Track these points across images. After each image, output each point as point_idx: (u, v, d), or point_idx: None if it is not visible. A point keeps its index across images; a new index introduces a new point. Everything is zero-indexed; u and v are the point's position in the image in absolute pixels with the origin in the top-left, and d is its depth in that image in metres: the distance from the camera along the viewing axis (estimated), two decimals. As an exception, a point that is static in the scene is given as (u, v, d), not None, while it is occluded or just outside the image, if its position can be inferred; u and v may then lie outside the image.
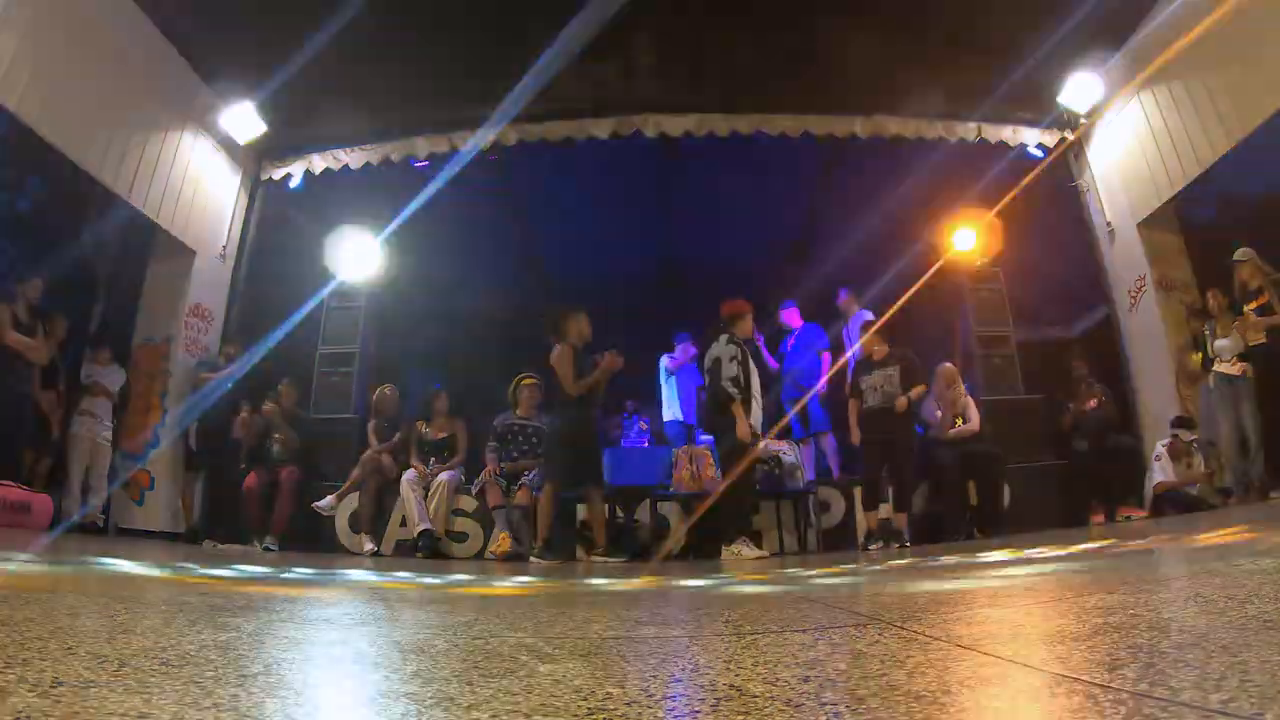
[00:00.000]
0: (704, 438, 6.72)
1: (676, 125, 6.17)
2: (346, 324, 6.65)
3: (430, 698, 0.79)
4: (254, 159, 6.61)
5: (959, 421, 5.43)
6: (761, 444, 4.82)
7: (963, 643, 1.03)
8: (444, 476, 5.36)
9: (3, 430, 4.69)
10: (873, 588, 2.44)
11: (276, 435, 5.71)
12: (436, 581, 3.05)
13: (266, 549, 5.18)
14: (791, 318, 7.01)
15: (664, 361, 7.25)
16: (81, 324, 7.33)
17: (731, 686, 0.86)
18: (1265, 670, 0.71)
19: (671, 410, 7.20)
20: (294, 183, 6.61)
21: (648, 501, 5.28)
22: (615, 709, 0.74)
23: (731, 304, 4.97)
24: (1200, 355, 5.23)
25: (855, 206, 7.73)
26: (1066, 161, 6.47)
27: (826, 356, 6.60)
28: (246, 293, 6.73)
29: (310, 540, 5.50)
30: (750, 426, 4.50)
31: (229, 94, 6.03)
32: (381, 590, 2.71)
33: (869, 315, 6.13)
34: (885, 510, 4.80)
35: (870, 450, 5.00)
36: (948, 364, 5.69)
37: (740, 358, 4.63)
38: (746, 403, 4.54)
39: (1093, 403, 5.65)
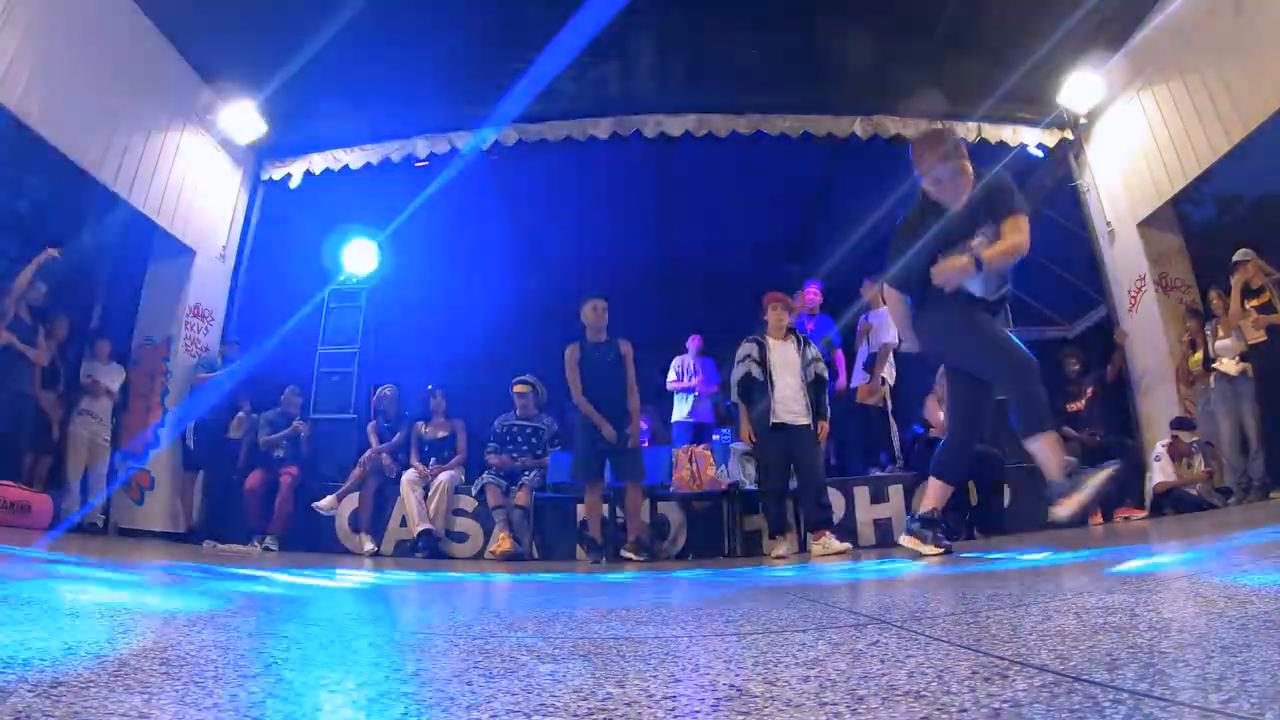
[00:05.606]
0: (714, 437, 6.70)
1: (676, 125, 6.18)
2: (346, 324, 6.65)
3: (430, 698, 0.79)
4: (254, 159, 6.61)
5: (960, 421, 5.41)
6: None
7: (963, 643, 1.03)
8: (444, 476, 5.36)
9: (3, 430, 4.69)
10: (873, 588, 2.44)
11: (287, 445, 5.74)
12: (436, 580, 3.05)
13: (266, 549, 5.19)
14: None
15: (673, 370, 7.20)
16: (81, 324, 7.33)
17: (731, 686, 0.86)
18: (1265, 670, 0.71)
19: (679, 410, 7.17)
20: (294, 183, 6.62)
21: (648, 501, 5.27)
22: (615, 709, 0.74)
23: (767, 296, 4.78)
24: (1200, 355, 5.23)
25: (855, 207, 7.73)
26: (1066, 161, 6.47)
27: (839, 355, 6.54)
28: (246, 293, 6.73)
29: (310, 540, 5.51)
30: (749, 429, 4.52)
31: (229, 94, 6.03)
32: (381, 590, 2.71)
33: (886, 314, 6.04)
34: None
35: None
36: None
37: (755, 356, 4.54)
38: (757, 401, 4.47)
39: (1083, 402, 5.66)
